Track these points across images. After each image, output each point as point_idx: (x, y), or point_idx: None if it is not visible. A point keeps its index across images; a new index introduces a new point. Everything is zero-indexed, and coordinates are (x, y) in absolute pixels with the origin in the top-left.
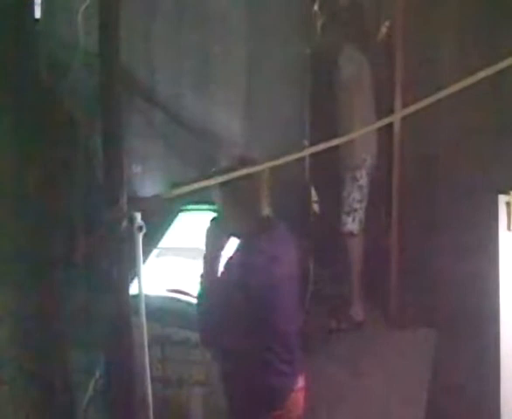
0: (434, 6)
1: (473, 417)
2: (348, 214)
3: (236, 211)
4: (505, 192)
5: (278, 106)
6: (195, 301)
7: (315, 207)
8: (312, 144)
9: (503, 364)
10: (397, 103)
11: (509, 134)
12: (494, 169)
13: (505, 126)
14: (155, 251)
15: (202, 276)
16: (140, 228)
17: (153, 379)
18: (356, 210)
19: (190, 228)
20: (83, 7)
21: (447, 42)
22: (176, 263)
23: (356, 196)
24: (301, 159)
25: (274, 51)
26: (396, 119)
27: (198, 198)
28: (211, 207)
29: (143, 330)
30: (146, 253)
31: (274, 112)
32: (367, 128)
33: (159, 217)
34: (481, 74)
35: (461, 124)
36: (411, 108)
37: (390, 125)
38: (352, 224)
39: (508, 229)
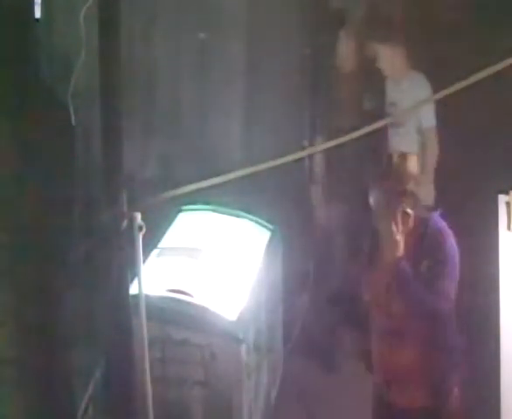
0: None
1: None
2: None
3: None
4: (505, 192)
5: (277, 106)
6: (195, 301)
7: None
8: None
9: (503, 364)
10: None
11: (509, 134)
12: (494, 169)
13: (505, 126)
14: (155, 251)
15: None
16: (140, 228)
17: (153, 379)
18: None
19: (190, 228)
20: (85, 7)
21: (447, 42)
22: (176, 263)
23: None
24: (301, 160)
25: (274, 52)
26: (396, 119)
27: (198, 198)
28: (211, 207)
29: (143, 330)
30: (146, 253)
31: (274, 112)
32: (366, 128)
33: (159, 217)
34: (481, 74)
35: (461, 124)
36: (411, 109)
37: None
38: None
39: (508, 229)
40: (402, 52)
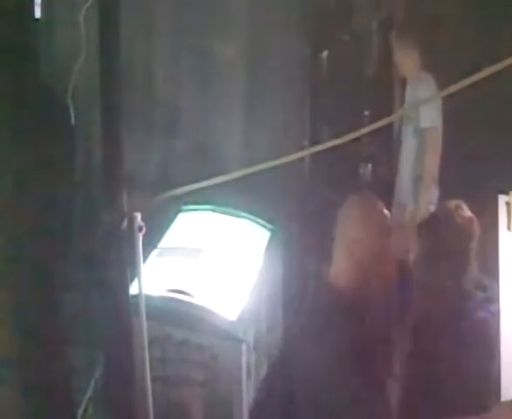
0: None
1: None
2: None
3: None
4: (505, 192)
5: (277, 106)
6: (195, 301)
7: None
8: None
9: (503, 364)
10: (397, 103)
11: (509, 134)
12: (494, 169)
13: (505, 126)
14: (155, 251)
15: None
16: (140, 228)
17: (153, 379)
18: None
19: (190, 228)
20: (84, 7)
21: (447, 42)
22: (176, 263)
23: None
24: (301, 159)
25: (274, 51)
26: (396, 119)
27: (198, 198)
28: (211, 207)
29: (143, 330)
30: (146, 253)
31: (274, 112)
32: (366, 129)
33: (159, 217)
34: (481, 74)
35: (461, 124)
36: (411, 108)
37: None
38: None
39: (508, 229)
40: (415, 52)
